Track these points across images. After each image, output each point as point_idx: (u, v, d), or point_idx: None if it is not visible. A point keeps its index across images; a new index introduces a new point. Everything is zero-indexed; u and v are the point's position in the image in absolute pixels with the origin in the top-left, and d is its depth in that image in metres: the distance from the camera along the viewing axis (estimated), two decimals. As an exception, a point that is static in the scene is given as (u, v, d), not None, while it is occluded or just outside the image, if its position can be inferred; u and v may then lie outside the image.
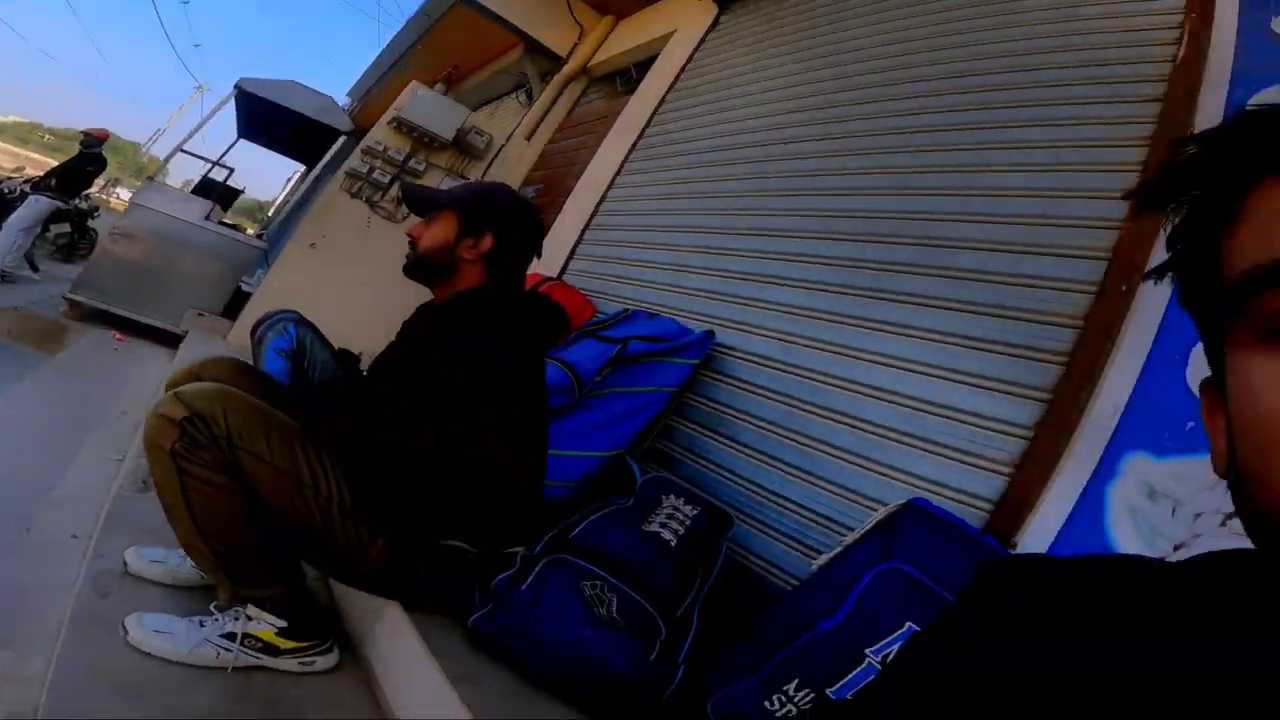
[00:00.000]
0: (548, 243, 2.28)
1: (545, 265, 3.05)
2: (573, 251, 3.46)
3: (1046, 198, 1.77)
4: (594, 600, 1.40)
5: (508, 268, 1.48)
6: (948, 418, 1.69)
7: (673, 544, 1.60)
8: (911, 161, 2.15)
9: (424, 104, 4.53)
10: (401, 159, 4.57)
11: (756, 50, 3.17)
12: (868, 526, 1.47)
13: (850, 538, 1.48)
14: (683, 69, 3.60)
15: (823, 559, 1.51)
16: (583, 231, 3.49)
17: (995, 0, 2.24)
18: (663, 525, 1.64)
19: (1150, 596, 0.32)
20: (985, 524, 1.52)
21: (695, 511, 1.72)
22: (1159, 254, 1.53)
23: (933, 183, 2.05)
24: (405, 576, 1.33)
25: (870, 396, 1.84)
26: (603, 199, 3.52)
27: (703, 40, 3.61)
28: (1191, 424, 1.37)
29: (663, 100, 3.54)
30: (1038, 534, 1.42)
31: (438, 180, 4.61)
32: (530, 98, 5.17)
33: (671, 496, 1.75)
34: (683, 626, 1.48)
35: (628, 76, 4.30)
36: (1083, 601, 0.33)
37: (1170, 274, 0.38)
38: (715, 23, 3.61)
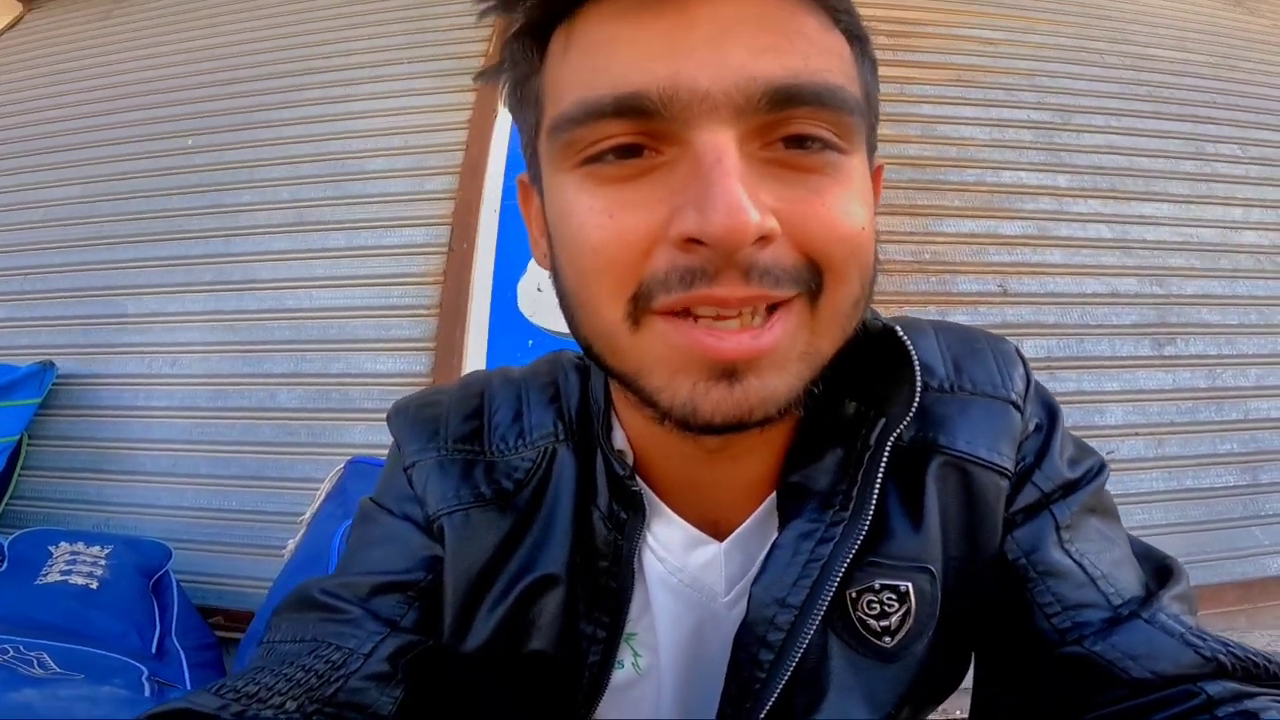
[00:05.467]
0: None
1: None
2: None
3: (401, 177, 2.02)
4: (16, 664, 1.15)
5: None
6: (364, 385, 1.82)
7: (95, 586, 1.44)
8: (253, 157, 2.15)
9: None
10: None
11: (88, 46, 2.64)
12: (320, 499, 1.50)
13: (308, 514, 1.49)
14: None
15: (291, 544, 1.49)
16: None
17: None
18: (66, 573, 1.45)
19: None
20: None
21: (107, 550, 1.55)
22: (486, 217, 1.93)
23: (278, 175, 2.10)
24: None
25: (281, 385, 1.83)
26: None
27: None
28: (532, 342, 1.82)
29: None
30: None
31: None
32: None
33: (63, 544, 1.53)
34: (167, 655, 1.39)
35: None
36: None
37: (501, 77, 0.39)
38: (18, 20, 2.90)
